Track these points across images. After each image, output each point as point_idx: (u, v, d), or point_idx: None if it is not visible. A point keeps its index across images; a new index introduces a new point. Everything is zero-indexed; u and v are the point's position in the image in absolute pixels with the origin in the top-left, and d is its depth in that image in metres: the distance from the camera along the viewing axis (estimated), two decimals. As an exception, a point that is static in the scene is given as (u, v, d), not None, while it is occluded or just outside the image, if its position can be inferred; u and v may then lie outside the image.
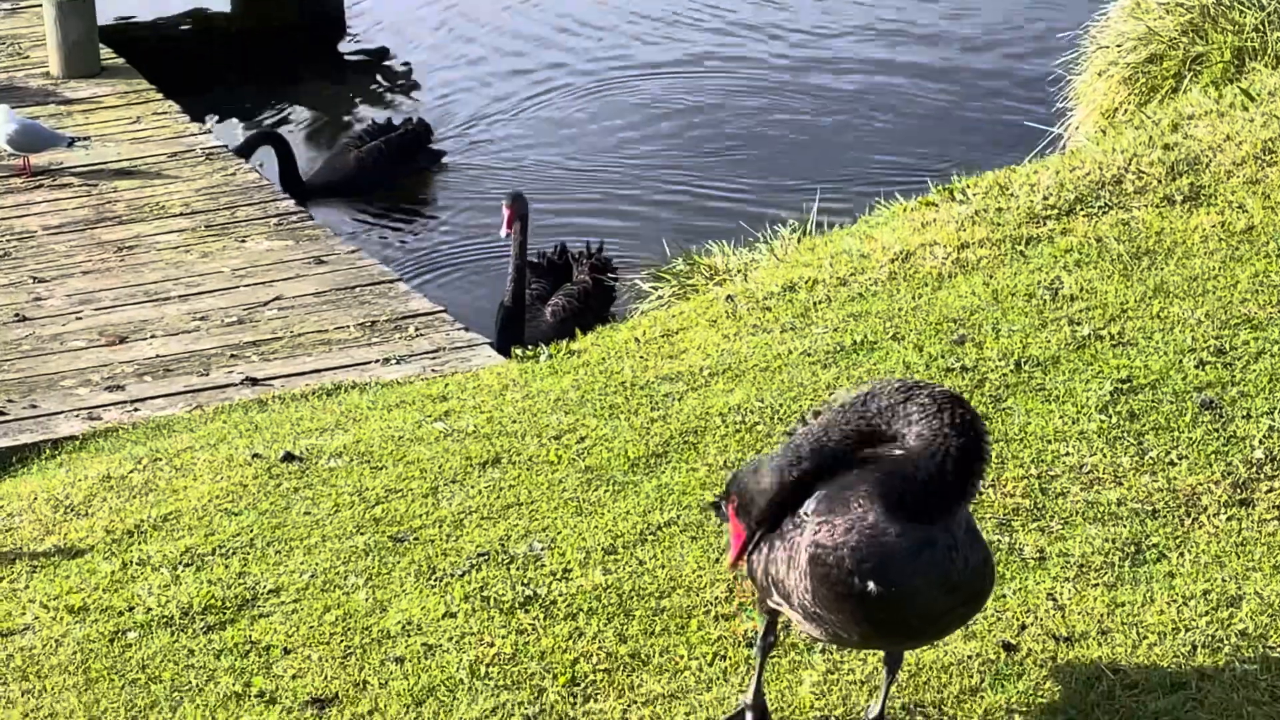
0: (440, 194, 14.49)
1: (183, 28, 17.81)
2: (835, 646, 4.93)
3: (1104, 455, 5.91)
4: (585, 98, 16.46)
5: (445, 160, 14.73)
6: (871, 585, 4.13)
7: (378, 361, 9.23)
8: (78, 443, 8.34)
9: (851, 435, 4.28)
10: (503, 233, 10.96)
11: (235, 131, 15.71)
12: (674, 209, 13.85)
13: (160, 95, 13.89)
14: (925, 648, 4.95)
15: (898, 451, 4.23)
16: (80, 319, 10.02)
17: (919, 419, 4.18)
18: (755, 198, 13.71)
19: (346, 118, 16.46)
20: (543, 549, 5.77)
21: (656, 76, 16.85)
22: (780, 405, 6.59)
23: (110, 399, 8.99)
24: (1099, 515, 5.58)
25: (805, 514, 4.35)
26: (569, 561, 5.67)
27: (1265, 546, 5.33)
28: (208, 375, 9.20)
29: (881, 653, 4.79)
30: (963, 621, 4.44)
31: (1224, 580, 5.17)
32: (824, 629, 4.34)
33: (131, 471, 7.00)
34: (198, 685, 5.24)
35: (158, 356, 9.47)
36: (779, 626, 4.82)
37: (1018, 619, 5.09)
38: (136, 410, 8.80)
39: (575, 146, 15.29)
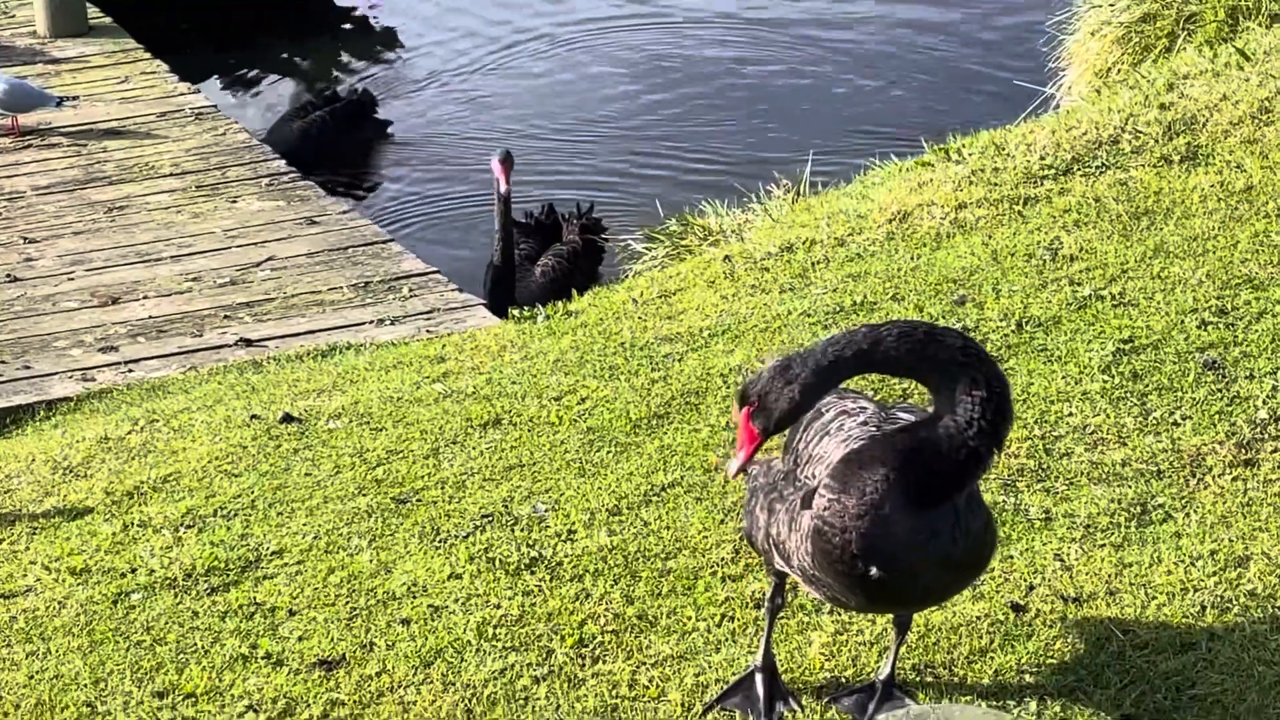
0: (406, 156, 14.40)
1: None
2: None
3: (1107, 416, 5.90)
4: (566, 58, 16.40)
5: (408, 125, 14.58)
6: (874, 570, 4.13)
7: (372, 322, 9.20)
8: (72, 404, 8.32)
9: (893, 362, 4.21)
10: (502, 188, 10.86)
11: (224, 88, 15.66)
12: (664, 169, 13.80)
13: (148, 55, 13.82)
14: (933, 609, 4.95)
15: (927, 427, 4.18)
16: (72, 279, 9.98)
17: (960, 386, 4.12)
18: (746, 158, 13.67)
19: (331, 77, 16.39)
20: (546, 510, 5.76)
21: (640, 36, 16.80)
22: (781, 366, 6.57)
23: (104, 360, 8.96)
24: (1104, 476, 5.58)
25: (804, 474, 4.34)
26: (573, 523, 5.66)
27: (1271, 507, 5.33)
28: (201, 336, 9.17)
29: (890, 615, 4.80)
30: (964, 588, 4.44)
31: (1231, 541, 5.17)
32: (824, 591, 4.34)
33: (129, 433, 6.98)
34: (203, 647, 5.23)
35: (150, 317, 9.44)
36: (787, 588, 4.82)
37: (1025, 580, 5.09)
38: (130, 371, 8.78)
39: (558, 107, 15.23)
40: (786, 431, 4.53)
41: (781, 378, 4.22)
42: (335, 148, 13.85)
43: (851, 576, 4.18)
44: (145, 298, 9.69)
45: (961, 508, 4.20)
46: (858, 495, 4.13)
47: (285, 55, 16.68)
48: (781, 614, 4.90)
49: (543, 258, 11.34)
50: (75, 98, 12.61)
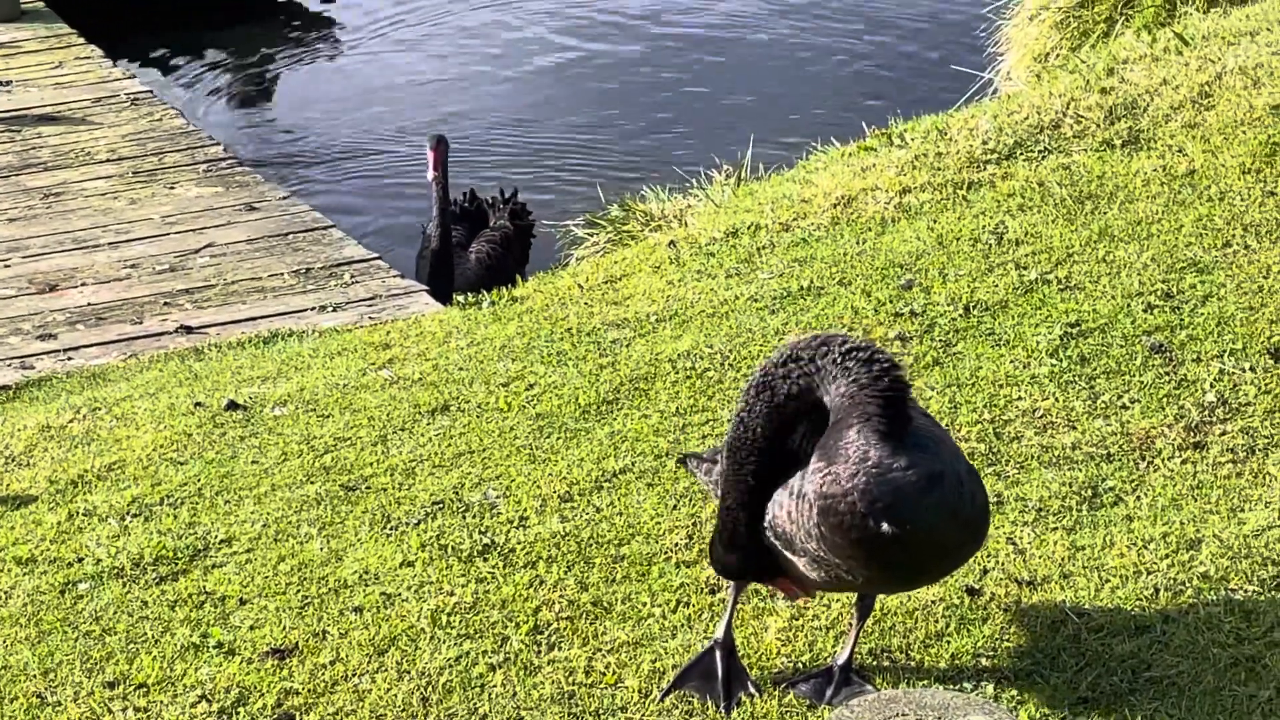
0: (340, 143, 14.32)
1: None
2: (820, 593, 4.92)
3: (1056, 399, 5.92)
4: (506, 43, 16.38)
5: (343, 109, 14.46)
6: (885, 525, 4.12)
7: (314, 309, 9.15)
8: (11, 392, 8.23)
9: (775, 416, 4.34)
10: (429, 175, 10.79)
11: (159, 73, 15.56)
12: (603, 154, 13.79)
13: (82, 40, 13.71)
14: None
15: (839, 400, 4.26)
16: (8, 267, 9.88)
17: (828, 366, 4.27)
18: (686, 143, 13.67)
19: (268, 62, 16.31)
20: (498, 497, 5.73)
21: (579, 18, 16.78)
22: (730, 351, 6.57)
23: (42, 348, 8.87)
24: (1054, 459, 5.59)
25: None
26: (525, 509, 5.64)
27: (1221, 490, 5.36)
28: (141, 323, 9.10)
29: (849, 599, 4.80)
30: (967, 558, 4.41)
31: (1182, 523, 5.20)
32: (826, 572, 4.32)
33: (71, 421, 6.92)
34: (153, 636, 5.18)
35: (89, 305, 9.35)
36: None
37: (979, 563, 5.09)
38: (70, 359, 8.70)
39: (497, 92, 15.23)
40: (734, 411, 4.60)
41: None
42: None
43: (864, 542, 4.16)
44: (83, 285, 9.61)
45: (965, 474, 4.22)
46: (844, 460, 4.16)
47: (221, 40, 16.58)
48: (739, 597, 4.89)
49: (474, 243, 11.25)
50: (9, 82, 12.48)
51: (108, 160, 11.40)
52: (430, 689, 4.81)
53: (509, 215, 11.50)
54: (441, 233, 10.73)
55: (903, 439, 4.18)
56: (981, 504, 4.28)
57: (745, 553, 4.47)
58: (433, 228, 10.83)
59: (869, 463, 4.15)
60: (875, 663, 4.74)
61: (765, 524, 4.40)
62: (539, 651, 4.92)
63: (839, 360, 4.28)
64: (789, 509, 4.30)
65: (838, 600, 4.94)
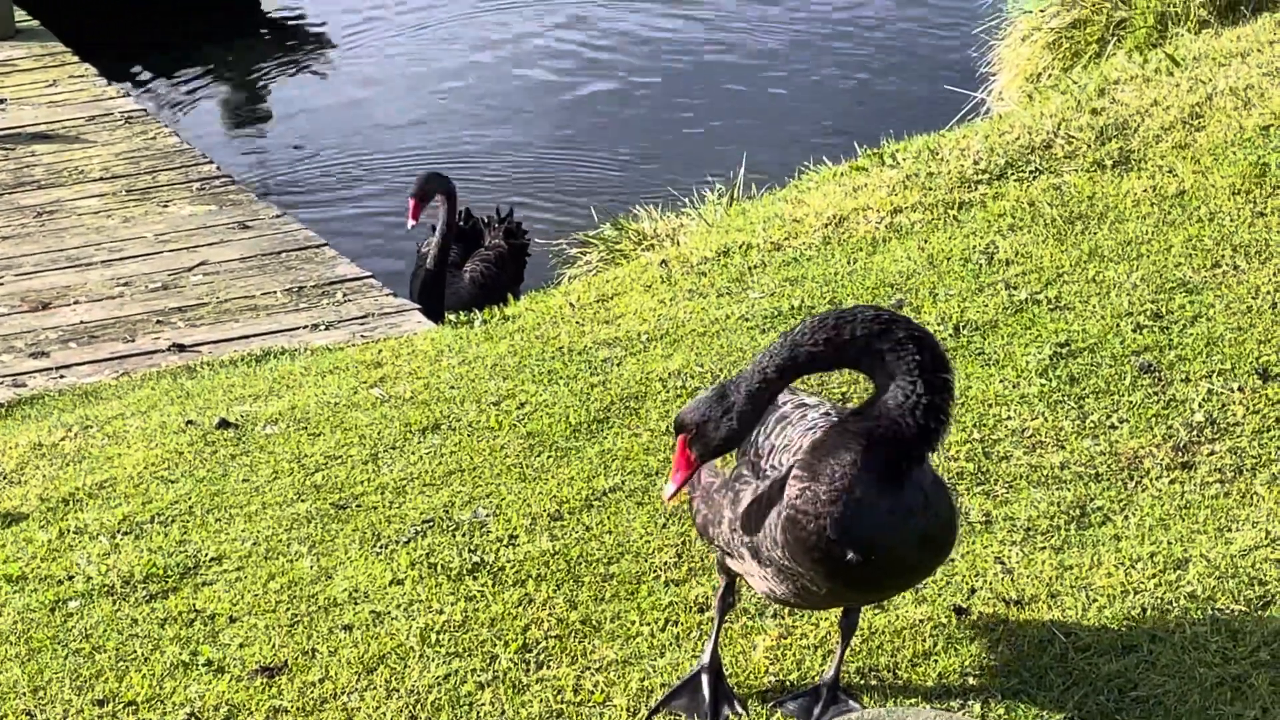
0: (334, 161, 14.34)
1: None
2: (790, 608, 4.94)
3: (1045, 419, 5.94)
4: (499, 62, 16.41)
5: (336, 128, 14.46)
6: (851, 555, 4.13)
7: (306, 327, 9.16)
8: (3, 410, 8.24)
9: (818, 357, 4.22)
10: (409, 224, 10.81)
11: (153, 91, 15.58)
12: (597, 174, 13.81)
13: (76, 58, 13.73)
14: (876, 612, 4.97)
15: (877, 404, 4.19)
16: (1, 285, 9.89)
17: (888, 353, 4.14)
18: (679, 163, 13.69)
19: (262, 80, 16.34)
20: (488, 515, 5.74)
21: (572, 40, 16.81)
22: (720, 370, 6.59)
23: (35, 365, 8.88)
24: (1043, 479, 5.61)
25: (767, 464, 4.35)
26: (515, 528, 5.65)
27: (1209, 509, 5.37)
28: (134, 341, 9.11)
29: (835, 618, 4.81)
30: (933, 570, 4.42)
31: (1169, 543, 5.21)
32: (791, 583, 4.32)
33: (63, 439, 6.93)
34: (143, 654, 5.19)
35: (82, 323, 9.36)
36: (737, 587, 4.83)
37: (967, 583, 5.11)
38: (62, 377, 8.71)
39: (490, 112, 15.24)
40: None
41: (719, 406, 4.27)
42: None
43: (826, 562, 4.17)
44: (76, 303, 9.62)
45: (930, 489, 4.21)
46: (827, 482, 4.14)
47: (214, 58, 16.61)
48: (727, 617, 4.90)
49: (469, 262, 11.26)
50: (2, 100, 12.51)
51: (101, 178, 11.42)
52: (419, 707, 4.82)
53: (504, 234, 11.51)
54: (439, 254, 10.75)
55: (896, 485, 4.17)
56: (945, 519, 4.26)
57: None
58: (428, 247, 10.86)
59: (854, 494, 4.13)
60: (863, 681, 4.75)
61: (737, 527, 4.39)
62: (528, 670, 4.93)
63: (900, 353, 4.15)
64: (756, 508, 4.30)
65: (825, 619, 4.96)
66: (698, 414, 4.30)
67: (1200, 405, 5.90)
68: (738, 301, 7.28)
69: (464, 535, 5.63)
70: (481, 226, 11.67)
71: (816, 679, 4.75)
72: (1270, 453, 5.62)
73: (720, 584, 4.73)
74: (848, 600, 4.49)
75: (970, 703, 4.63)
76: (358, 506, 5.94)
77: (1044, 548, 5.25)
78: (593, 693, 4.81)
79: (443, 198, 10.87)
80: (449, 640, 5.07)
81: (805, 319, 4.25)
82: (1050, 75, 10.89)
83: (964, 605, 4.99)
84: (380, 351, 7.79)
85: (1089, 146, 8.15)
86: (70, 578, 5.68)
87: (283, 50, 16.99)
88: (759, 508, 4.31)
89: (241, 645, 5.18)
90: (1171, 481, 5.54)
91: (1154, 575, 5.06)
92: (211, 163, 11.75)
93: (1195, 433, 5.77)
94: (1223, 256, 6.90)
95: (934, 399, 4.12)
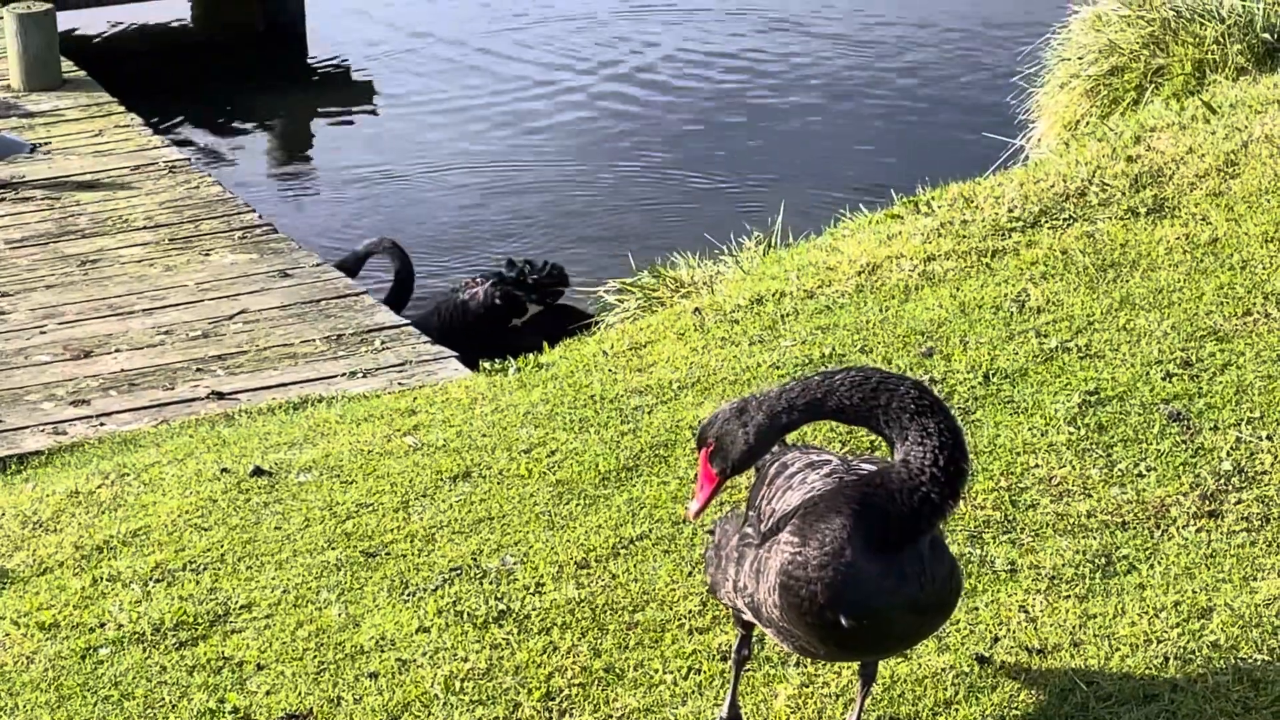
0: (379, 207, 14.44)
1: (143, 39, 17.78)
2: (809, 659, 4.95)
3: (1073, 467, 5.94)
4: (544, 109, 16.49)
5: (383, 176, 14.67)
6: (844, 620, 4.15)
7: (344, 375, 9.21)
8: (44, 457, 8.31)
9: (846, 410, 4.25)
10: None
11: (198, 140, 15.72)
12: (636, 223, 13.87)
13: (122, 108, 13.85)
14: (899, 661, 4.98)
15: (883, 474, 4.21)
16: (44, 333, 9.97)
17: (912, 433, 4.16)
18: (719, 210, 13.73)
19: (306, 129, 16.46)
20: (515, 563, 5.77)
21: (612, 86, 16.90)
22: (750, 418, 6.60)
23: (75, 414, 8.95)
24: (1069, 527, 5.61)
25: (767, 526, 4.37)
26: (542, 576, 5.67)
27: (1234, 558, 5.37)
28: (173, 389, 9.17)
29: (855, 666, 4.82)
30: (931, 632, 4.46)
31: (1194, 592, 5.21)
32: (793, 642, 4.36)
33: (99, 487, 6.98)
34: (171, 702, 5.23)
35: (122, 371, 9.43)
36: (754, 638, 4.84)
37: (990, 631, 5.11)
38: (102, 425, 8.77)
39: (535, 160, 15.30)
40: (752, 474, 4.58)
41: (737, 420, 4.29)
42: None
43: (821, 627, 4.20)
44: (117, 351, 9.69)
45: (926, 553, 4.22)
46: (818, 546, 4.16)
47: (259, 106, 16.73)
48: (748, 666, 4.92)
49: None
50: (47, 143, 12.63)
51: (144, 227, 11.51)
52: (442, 755, 4.85)
53: (538, 282, 11.72)
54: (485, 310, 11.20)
55: (891, 551, 4.18)
56: (941, 580, 4.26)
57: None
58: (470, 295, 11.13)
59: (844, 559, 4.14)
60: (884, 730, 4.77)
61: (740, 587, 4.42)
62: (550, 718, 4.95)
63: (925, 442, 4.19)
64: (750, 581, 4.33)
65: (847, 667, 4.96)
66: (717, 427, 4.34)
67: (1228, 454, 5.90)
68: (769, 349, 7.31)
69: (491, 583, 5.66)
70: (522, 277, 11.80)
71: (837, 728, 4.76)
72: (1297, 501, 5.62)
73: (736, 637, 4.75)
74: (846, 660, 4.52)
75: (991, 752, 4.63)
76: (387, 554, 5.98)
77: (1068, 596, 5.25)
78: (615, 741, 4.84)
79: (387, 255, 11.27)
80: (473, 688, 5.10)
81: (849, 369, 4.27)
82: (1088, 122, 10.89)
83: (987, 654, 5.00)
84: (415, 399, 7.84)
85: (1123, 194, 8.15)
86: (102, 625, 5.73)
87: (329, 98, 17.10)
88: (758, 570, 4.33)
89: (268, 693, 5.22)
90: (1198, 530, 5.54)
91: (1178, 624, 5.06)
92: (253, 211, 11.83)
93: (1223, 481, 5.76)
94: (1254, 304, 6.90)
95: (934, 494, 4.13)
